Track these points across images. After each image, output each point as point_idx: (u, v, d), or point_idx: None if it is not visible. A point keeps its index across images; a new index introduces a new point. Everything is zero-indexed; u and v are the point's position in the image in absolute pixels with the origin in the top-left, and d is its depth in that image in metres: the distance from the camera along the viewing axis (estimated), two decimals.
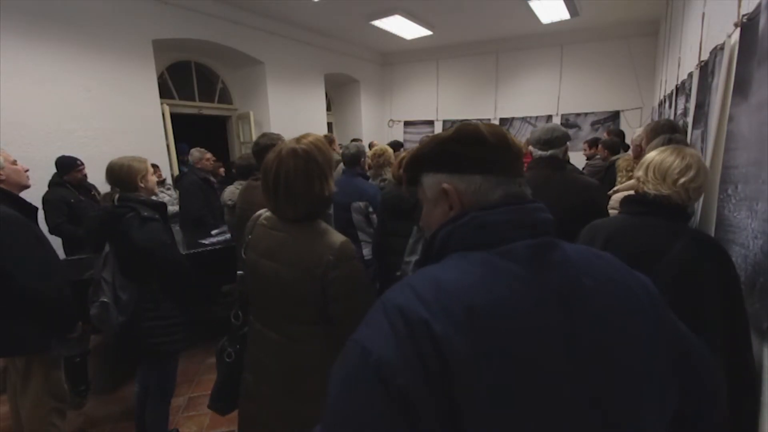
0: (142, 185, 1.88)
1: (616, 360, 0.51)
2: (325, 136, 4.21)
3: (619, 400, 0.50)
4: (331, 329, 1.17)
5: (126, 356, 2.42)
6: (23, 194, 1.85)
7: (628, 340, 0.52)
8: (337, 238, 1.17)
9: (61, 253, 3.04)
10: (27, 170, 1.89)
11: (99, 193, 3.47)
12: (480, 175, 0.58)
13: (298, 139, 1.20)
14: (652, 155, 1.22)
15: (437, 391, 0.43)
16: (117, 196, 1.86)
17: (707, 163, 1.58)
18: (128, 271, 1.84)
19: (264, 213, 1.30)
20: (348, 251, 1.16)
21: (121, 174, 1.84)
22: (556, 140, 1.76)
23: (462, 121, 3.87)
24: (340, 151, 3.29)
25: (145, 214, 1.80)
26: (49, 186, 3.12)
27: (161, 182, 4.14)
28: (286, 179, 1.12)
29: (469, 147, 0.59)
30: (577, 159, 5.12)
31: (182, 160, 5.24)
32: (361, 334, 0.49)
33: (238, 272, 1.37)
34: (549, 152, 1.76)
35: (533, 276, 0.51)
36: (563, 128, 1.80)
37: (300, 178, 1.12)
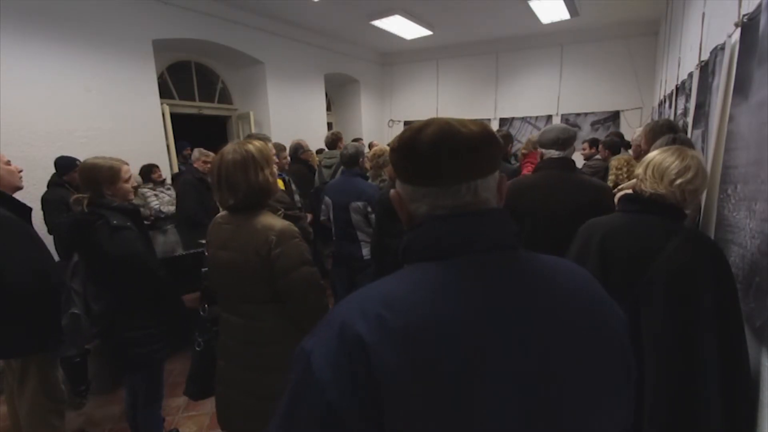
0: (110, 192, 1.74)
1: (561, 387, 0.49)
2: (333, 133, 4.18)
3: (564, 422, 0.49)
4: (282, 306, 1.33)
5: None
6: (22, 193, 1.85)
7: (577, 366, 0.51)
8: (279, 221, 1.33)
9: None
10: (21, 171, 1.88)
11: None
12: (425, 188, 0.57)
13: (238, 143, 1.36)
14: (653, 154, 1.22)
15: (367, 408, 0.44)
16: (86, 201, 1.73)
17: (708, 164, 1.58)
18: (101, 281, 1.77)
19: (220, 214, 1.46)
20: (289, 231, 1.31)
21: (92, 175, 1.71)
22: (570, 140, 1.76)
23: None
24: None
25: (115, 222, 1.67)
26: (48, 186, 3.13)
27: (161, 182, 4.13)
28: (226, 171, 1.30)
29: (402, 158, 0.58)
30: (576, 159, 5.10)
31: (182, 158, 5.23)
32: (308, 344, 0.50)
33: (203, 269, 1.50)
34: (564, 152, 1.76)
35: (474, 293, 0.51)
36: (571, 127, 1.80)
37: (237, 167, 1.30)
